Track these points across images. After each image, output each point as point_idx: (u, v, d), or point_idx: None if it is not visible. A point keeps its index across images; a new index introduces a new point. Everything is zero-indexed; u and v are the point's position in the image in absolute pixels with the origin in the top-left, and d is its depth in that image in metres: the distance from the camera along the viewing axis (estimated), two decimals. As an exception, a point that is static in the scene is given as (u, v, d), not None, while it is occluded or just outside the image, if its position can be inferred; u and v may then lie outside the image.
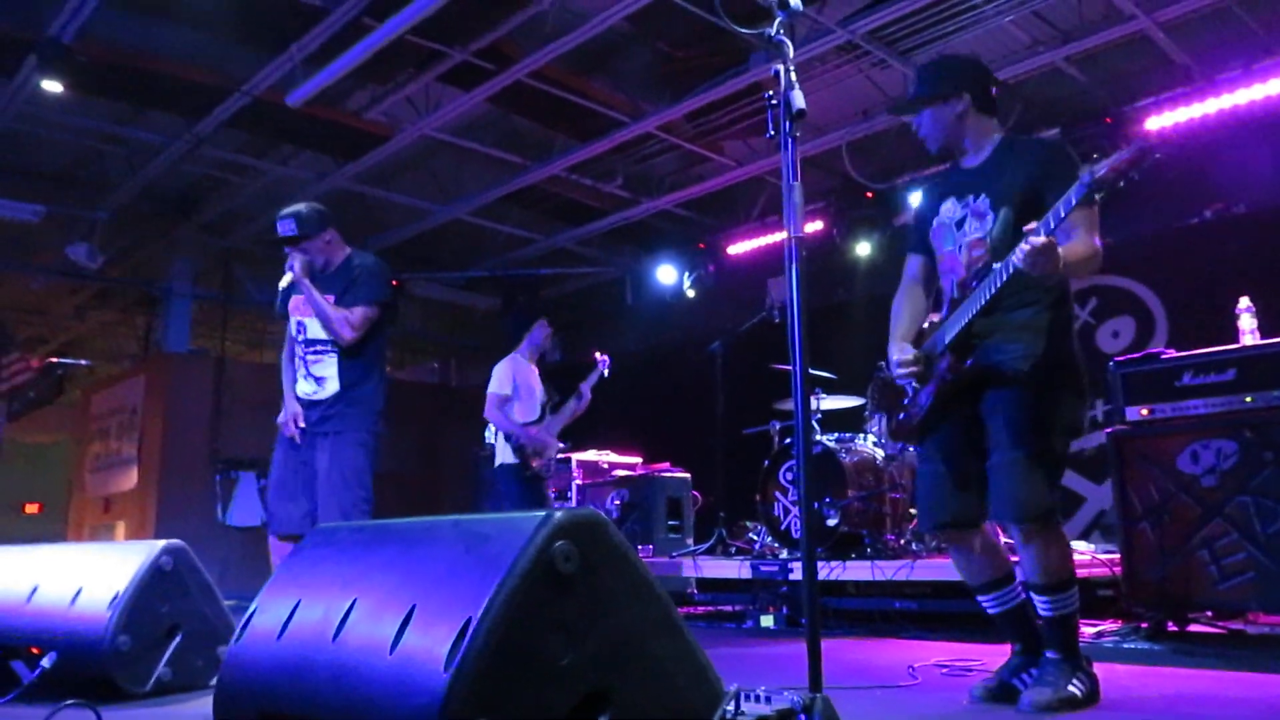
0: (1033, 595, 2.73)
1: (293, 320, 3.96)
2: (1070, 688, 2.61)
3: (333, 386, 3.82)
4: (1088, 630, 4.12)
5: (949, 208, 2.92)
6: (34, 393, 9.53)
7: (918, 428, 2.90)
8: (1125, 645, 3.79)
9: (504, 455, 5.60)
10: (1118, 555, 4.16)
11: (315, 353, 3.86)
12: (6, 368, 11.67)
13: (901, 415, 2.98)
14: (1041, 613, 2.72)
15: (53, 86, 6.33)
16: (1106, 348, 6.93)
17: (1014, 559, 2.87)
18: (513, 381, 5.56)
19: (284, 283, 3.84)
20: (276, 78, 6.65)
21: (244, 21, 6.28)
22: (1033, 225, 2.48)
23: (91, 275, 9.63)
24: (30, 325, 12.74)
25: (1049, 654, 2.70)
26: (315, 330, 3.86)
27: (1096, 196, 2.43)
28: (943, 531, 2.89)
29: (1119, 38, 6.17)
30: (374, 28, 5.93)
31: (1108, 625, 4.20)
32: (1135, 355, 4.18)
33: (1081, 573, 4.49)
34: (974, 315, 2.70)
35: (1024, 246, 2.45)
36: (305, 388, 3.86)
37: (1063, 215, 2.46)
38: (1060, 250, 2.48)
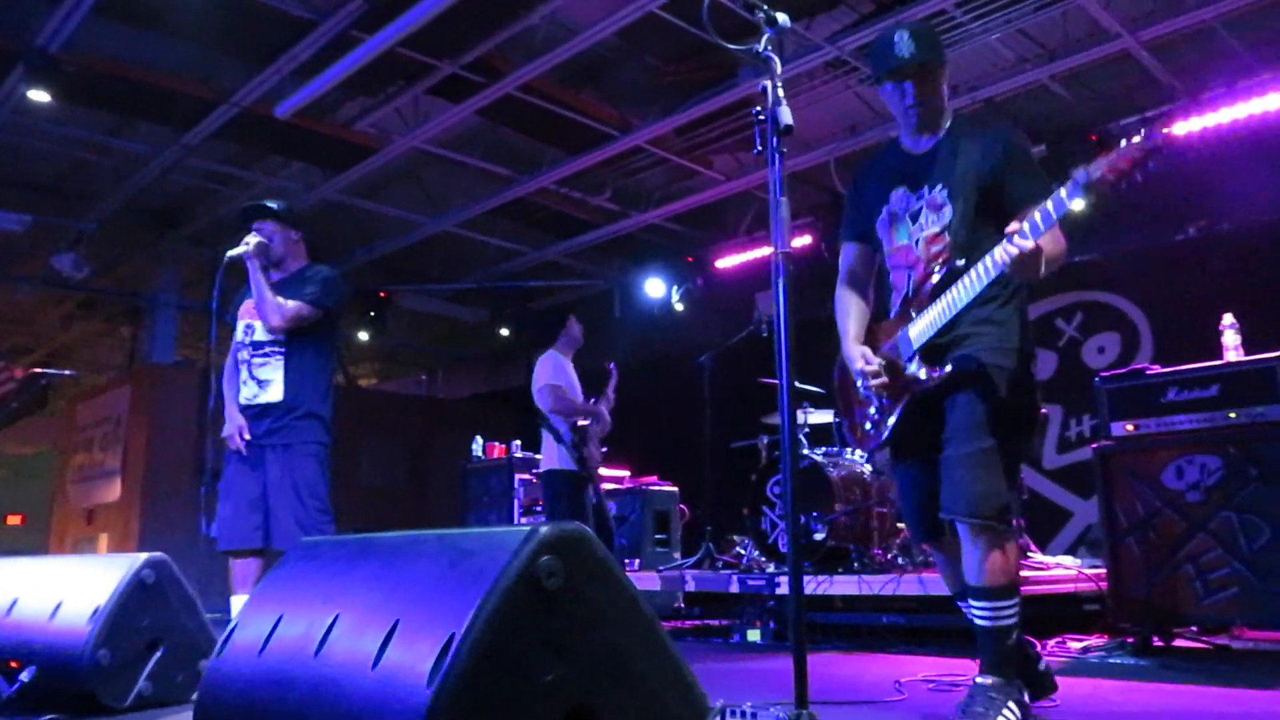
0: (970, 602, 2.54)
1: (241, 323, 3.89)
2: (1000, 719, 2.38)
3: (276, 391, 3.73)
4: (1074, 645, 4.13)
5: (900, 196, 2.72)
6: (17, 403, 9.43)
7: (889, 441, 2.71)
8: (1111, 660, 3.79)
9: (558, 460, 5.44)
10: (1104, 570, 4.18)
11: (262, 355, 3.79)
12: (-10, 378, 11.57)
13: (868, 425, 2.77)
14: (977, 622, 2.52)
15: (40, 96, 6.31)
16: (1092, 363, 6.98)
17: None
18: (564, 375, 5.46)
19: (234, 251, 3.72)
20: (265, 89, 6.64)
21: (233, 33, 6.28)
22: (1015, 227, 2.32)
23: (77, 285, 9.58)
24: (15, 335, 12.66)
25: (980, 679, 2.48)
26: (262, 333, 3.79)
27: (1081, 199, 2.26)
28: (937, 540, 2.70)
29: (1104, 56, 6.23)
30: (363, 40, 5.93)
31: (1094, 640, 4.21)
32: (1121, 370, 4.21)
33: (1068, 588, 4.53)
34: (947, 321, 2.54)
35: (1010, 251, 2.30)
36: (247, 391, 3.78)
37: (1054, 220, 2.30)
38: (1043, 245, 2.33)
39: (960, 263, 2.51)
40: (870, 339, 2.77)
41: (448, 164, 8.18)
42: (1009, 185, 2.56)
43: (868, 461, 5.56)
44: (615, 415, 5.82)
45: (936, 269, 2.58)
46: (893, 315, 2.72)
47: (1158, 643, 3.93)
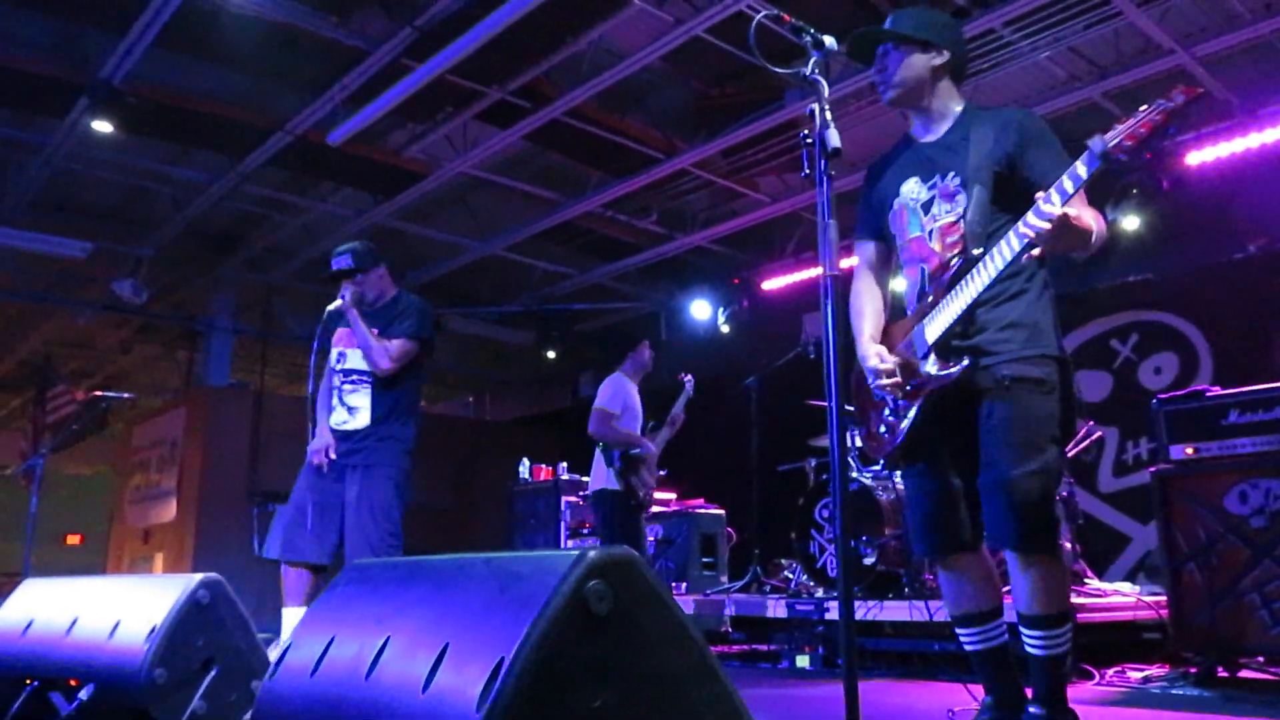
0: (1023, 631, 2.42)
1: (334, 350, 4.02)
2: None
3: (364, 418, 3.86)
4: (1134, 675, 4.02)
5: (911, 187, 2.60)
6: (78, 425, 9.67)
7: (903, 446, 2.54)
8: (1173, 691, 3.68)
9: (605, 481, 5.45)
10: (1164, 598, 4.06)
11: (352, 383, 3.92)
12: (52, 401, 11.88)
13: (881, 429, 2.61)
14: (1031, 651, 2.40)
15: (103, 127, 6.51)
16: (1149, 384, 6.82)
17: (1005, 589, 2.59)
18: (621, 400, 5.48)
19: (333, 306, 3.92)
20: (318, 117, 6.78)
21: (287, 63, 6.43)
22: (1041, 196, 2.19)
23: (136, 310, 9.82)
24: (76, 359, 13.00)
25: (1033, 709, 2.38)
26: (355, 361, 3.92)
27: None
28: (943, 557, 2.55)
29: (1158, 73, 6.13)
30: (414, 68, 6.04)
31: (1155, 670, 4.09)
32: (1179, 393, 4.11)
33: (1127, 615, 4.41)
34: (964, 312, 2.40)
35: (1038, 224, 2.16)
36: (338, 416, 3.91)
37: (1071, 192, 2.16)
38: (1074, 214, 2.18)
39: (977, 252, 2.38)
40: (887, 339, 2.65)
41: (495, 188, 8.27)
42: (1026, 167, 2.42)
43: (881, 471, 5.41)
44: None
45: (952, 260, 2.45)
46: (910, 310, 2.60)
47: (1222, 673, 3.81)
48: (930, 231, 2.55)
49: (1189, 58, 5.93)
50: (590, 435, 5.48)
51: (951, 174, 2.51)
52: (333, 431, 3.90)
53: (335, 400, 3.94)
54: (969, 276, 2.38)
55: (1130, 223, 6.82)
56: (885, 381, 2.50)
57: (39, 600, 3.27)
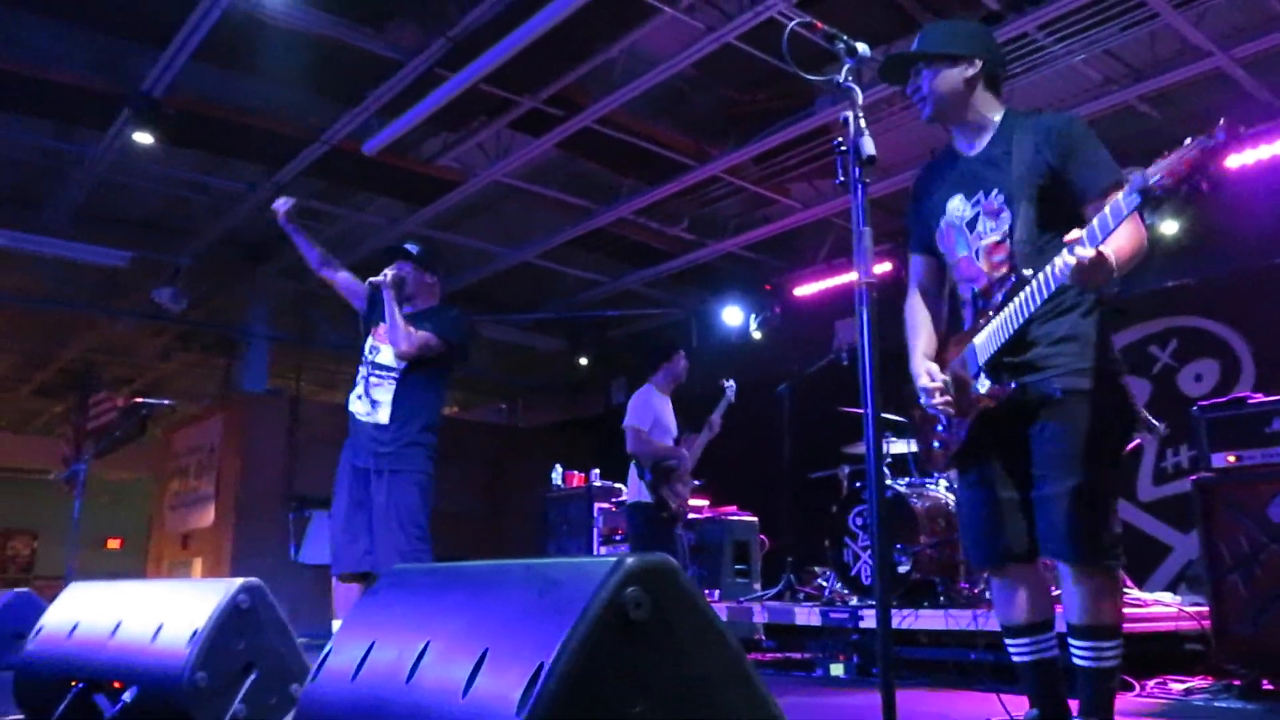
0: (1072, 642, 2.40)
1: (368, 342, 4.07)
2: None
3: (384, 414, 3.88)
4: (1176, 687, 3.95)
5: (957, 205, 2.57)
6: (119, 431, 9.84)
7: (956, 457, 2.57)
8: (1217, 704, 3.62)
9: (638, 494, 5.46)
10: (1206, 608, 4.00)
11: (379, 376, 3.95)
12: (94, 407, 12.10)
13: (936, 444, 2.65)
14: (1080, 663, 2.38)
15: (143, 138, 6.63)
16: (1189, 391, 6.72)
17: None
18: (651, 414, 5.48)
19: (375, 278, 3.93)
20: (353, 127, 6.87)
21: (323, 74, 6.52)
22: (1075, 235, 2.16)
23: (175, 318, 9.98)
24: (117, 366, 13.22)
25: None
26: (385, 357, 3.96)
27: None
28: (1000, 566, 2.53)
29: (1195, 75, 6.05)
30: (447, 78, 6.10)
31: (1197, 682, 4.02)
32: (1220, 400, 4.05)
33: (1168, 626, 4.34)
34: (1012, 335, 2.39)
35: (1069, 261, 2.13)
36: (361, 407, 3.95)
37: (1111, 228, 2.12)
38: (1109, 252, 2.14)
39: (1028, 272, 2.36)
40: (941, 356, 2.65)
41: (527, 196, 8.32)
42: (1071, 178, 2.39)
43: (917, 479, 5.40)
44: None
45: (1000, 280, 2.45)
46: (967, 328, 2.59)
47: (1267, 686, 3.74)
48: (976, 250, 2.54)
49: (1227, 59, 5.85)
50: (629, 453, 5.49)
51: (995, 191, 2.49)
52: (352, 419, 3.96)
53: (361, 389, 3.98)
54: (1021, 297, 2.37)
55: (1169, 227, 6.73)
56: (936, 400, 2.54)
57: (84, 603, 3.32)
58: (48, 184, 8.18)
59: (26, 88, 6.43)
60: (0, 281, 9.94)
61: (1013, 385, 2.41)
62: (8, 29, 6.17)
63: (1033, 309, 2.34)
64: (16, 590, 6.01)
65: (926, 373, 2.58)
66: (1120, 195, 2.12)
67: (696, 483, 5.91)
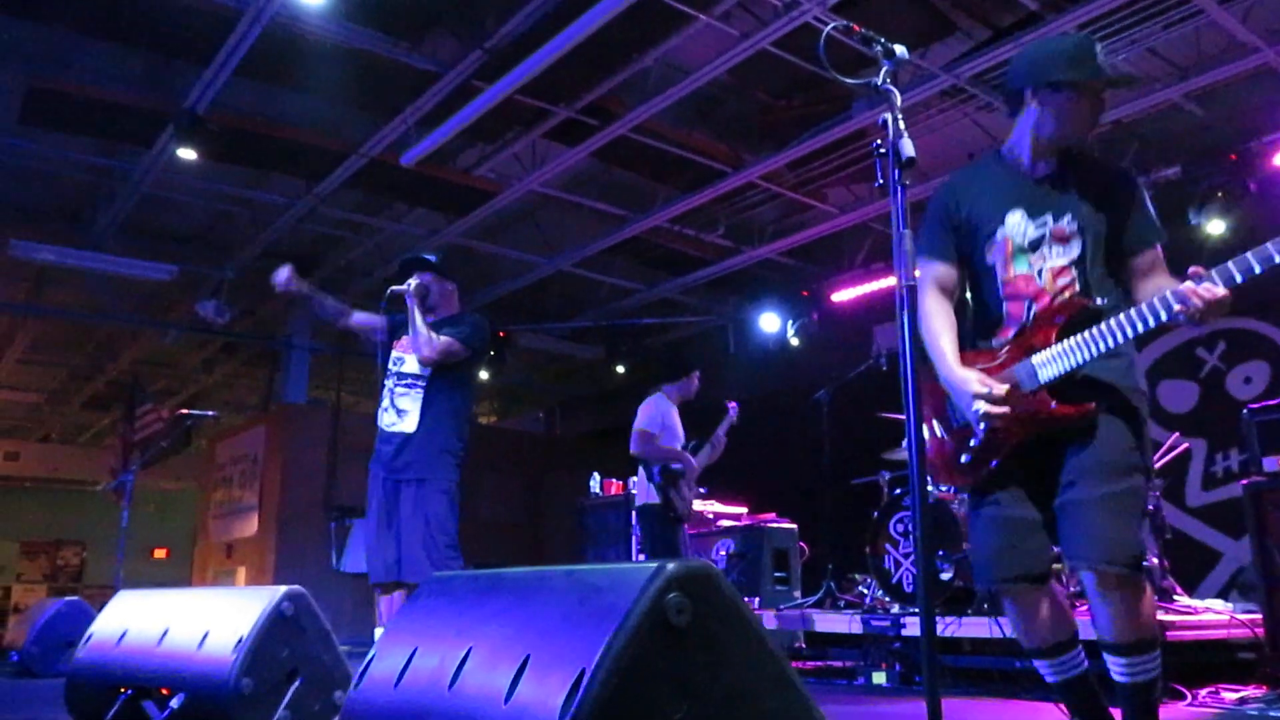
0: (1109, 658, 2.34)
1: (393, 354, 4.12)
2: None
3: (412, 422, 3.92)
4: (1229, 696, 3.86)
5: (1018, 222, 2.51)
6: (165, 442, 10.02)
7: (988, 476, 2.49)
8: (1271, 713, 3.53)
9: (646, 496, 5.58)
10: (1259, 615, 3.91)
11: (404, 386, 4.00)
12: (140, 419, 12.31)
13: (964, 458, 2.54)
14: (1118, 679, 2.32)
15: (187, 154, 6.75)
16: (1238, 394, 6.58)
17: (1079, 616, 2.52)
18: (660, 420, 5.57)
19: (397, 287, 3.98)
20: (391, 139, 6.95)
21: (362, 88, 6.60)
22: (1199, 270, 2.16)
23: (219, 330, 10.14)
24: (162, 378, 13.47)
25: None
26: (410, 366, 4.01)
27: None
28: (1013, 586, 2.45)
29: (1242, 72, 5.94)
30: (483, 89, 6.15)
31: (1251, 691, 3.93)
32: (1271, 402, 3.96)
33: (1220, 634, 4.25)
34: (1090, 360, 2.34)
35: (1199, 296, 2.14)
36: (387, 418, 4.00)
37: (1239, 280, 2.15)
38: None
39: (1101, 301, 2.37)
40: (968, 367, 2.56)
41: (564, 205, 8.36)
42: (1129, 224, 2.43)
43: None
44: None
45: (1064, 303, 2.43)
46: (997, 344, 2.53)
47: (1324, 695, 3.65)
48: (1039, 270, 2.49)
49: (1275, 55, 5.73)
50: (633, 455, 5.62)
51: (1069, 217, 2.46)
52: (380, 433, 4.01)
53: (386, 401, 4.03)
54: (1104, 327, 2.33)
55: (1215, 227, 6.59)
56: (994, 410, 2.41)
57: (132, 611, 3.38)
58: (95, 201, 8.36)
59: (74, 107, 6.58)
60: (50, 297, 10.18)
61: (1091, 405, 2.36)
62: (55, 50, 6.32)
63: (1127, 339, 2.31)
64: (67, 599, 6.14)
65: (978, 380, 2.47)
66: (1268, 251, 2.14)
67: (702, 490, 5.94)
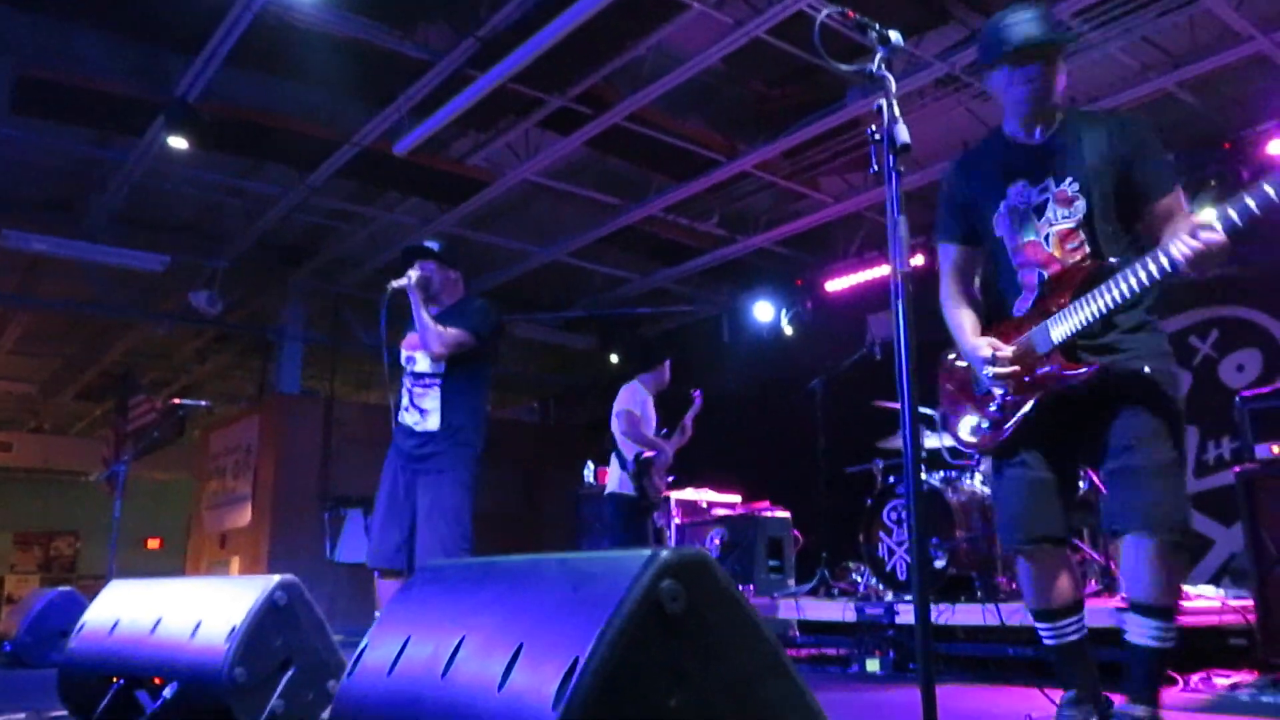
0: (1141, 620, 2.40)
1: (404, 354, 4.07)
2: None
3: (435, 420, 3.88)
4: (1220, 681, 3.88)
5: (1019, 191, 2.57)
6: (158, 433, 10.01)
7: (1009, 440, 2.56)
8: (1263, 699, 3.55)
9: (619, 485, 5.65)
10: (1251, 602, 3.93)
11: (423, 385, 3.95)
12: (133, 409, 12.29)
13: (986, 424, 2.62)
14: (1147, 642, 2.39)
15: (178, 144, 6.70)
16: (1231, 382, 6.60)
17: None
18: (640, 405, 5.69)
19: (398, 282, 3.89)
20: (384, 128, 6.91)
21: (354, 76, 6.55)
22: (1203, 219, 2.21)
23: (211, 321, 10.11)
24: (154, 369, 13.42)
25: (1126, 709, 2.36)
26: (423, 365, 3.96)
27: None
28: (1037, 547, 2.53)
29: (1236, 60, 5.93)
30: (476, 78, 6.11)
31: (1243, 677, 3.94)
32: (1264, 390, 3.98)
33: (1212, 620, 4.27)
34: (1100, 317, 2.40)
35: (1195, 245, 2.19)
36: (410, 418, 3.96)
37: (1238, 223, 2.19)
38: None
39: (1113, 260, 2.40)
40: (991, 336, 2.64)
41: (557, 194, 8.33)
42: (1138, 173, 2.45)
43: (952, 473, 5.39)
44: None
45: (1075, 265, 2.47)
46: (1018, 313, 2.59)
47: (1315, 681, 3.67)
48: (1046, 236, 2.54)
49: (1270, 43, 5.73)
50: (620, 435, 5.73)
51: (1068, 179, 2.50)
52: (401, 428, 3.97)
53: (406, 402, 3.99)
54: (1108, 284, 2.37)
55: (1208, 215, 6.59)
56: (1003, 371, 2.51)
57: (125, 601, 3.37)
58: (86, 191, 8.31)
59: (65, 96, 6.53)
60: (43, 287, 10.13)
61: (1094, 365, 2.42)
62: (46, 39, 6.27)
63: (1133, 293, 2.34)
64: (60, 589, 6.14)
65: (988, 344, 2.56)
66: (1249, 198, 2.18)
67: (671, 478, 6.24)
